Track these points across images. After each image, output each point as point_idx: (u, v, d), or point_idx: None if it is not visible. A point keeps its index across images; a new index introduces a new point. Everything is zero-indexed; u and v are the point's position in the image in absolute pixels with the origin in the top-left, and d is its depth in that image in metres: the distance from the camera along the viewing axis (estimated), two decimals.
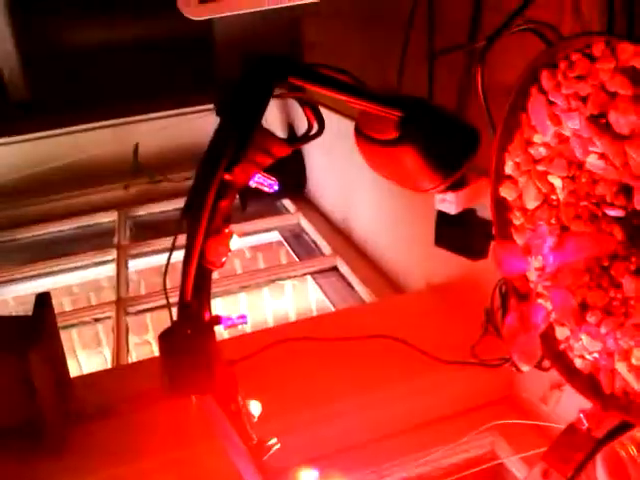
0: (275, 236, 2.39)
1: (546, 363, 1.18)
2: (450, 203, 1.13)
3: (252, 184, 0.67)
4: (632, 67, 0.53)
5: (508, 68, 0.92)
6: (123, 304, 1.79)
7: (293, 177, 2.30)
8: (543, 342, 0.67)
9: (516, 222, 0.70)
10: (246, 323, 0.66)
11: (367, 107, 0.71)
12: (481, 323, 1.32)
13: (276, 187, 0.69)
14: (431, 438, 1.16)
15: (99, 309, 1.85)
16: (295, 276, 1.93)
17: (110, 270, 2.07)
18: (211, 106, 2.55)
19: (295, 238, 2.29)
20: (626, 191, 0.57)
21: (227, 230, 0.65)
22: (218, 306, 2.58)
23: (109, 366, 1.76)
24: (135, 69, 2.65)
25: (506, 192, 0.70)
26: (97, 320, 1.81)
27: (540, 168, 0.65)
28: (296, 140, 0.72)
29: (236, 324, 0.66)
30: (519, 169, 0.68)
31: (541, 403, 1.18)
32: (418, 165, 0.74)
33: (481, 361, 1.22)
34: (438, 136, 0.76)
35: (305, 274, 1.94)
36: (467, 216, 1.16)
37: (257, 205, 2.32)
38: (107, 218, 2.39)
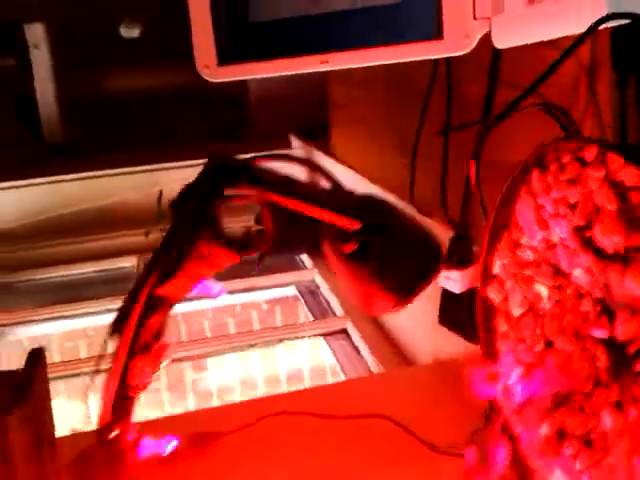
0: (292, 290, 2.36)
1: None
2: (455, 282, 1.07)
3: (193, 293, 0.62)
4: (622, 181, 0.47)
5: (519, 146, 0.87)
6: None
7: (312, 232, 2.26)
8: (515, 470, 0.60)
9: (501, 329, 0.64)
10: (164, 452, 0.61)
11: (322, 216, 0.66)
12: (484, 410, 1.24)
13: (223, 294, 0.64)
14: None
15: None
16: (305, 336, 1.88)
17: None
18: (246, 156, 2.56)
19: (311, 294, 2.25)
20: (609, 314, 0.51)
21: (157, 347, 0.60)
22: (232, 361, 2.54)
23: None
24: (167, 117, 2.70)
25: (493, 293, 0.64)
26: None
27: (527, 272, 0.60)
28: (245, 248, 0.67)
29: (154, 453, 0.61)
30: (506, 271, 0.62)
31: None
32: (370, 284, 0.69)
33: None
34: (394, 256, 0.71)
35: (317, 335, 1.89)
36: (470, 296, 1.10)
37: (273, 259, 2.28)
38: (127, 263, 2.40)
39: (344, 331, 1.87)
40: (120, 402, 0.58)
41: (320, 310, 2.10)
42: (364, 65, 0.94)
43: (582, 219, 0.49)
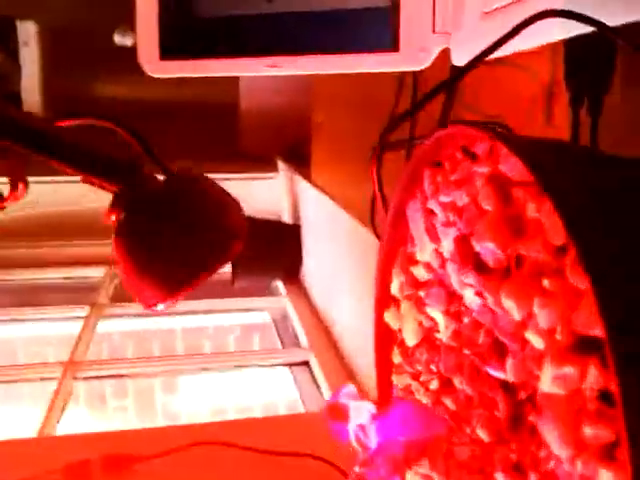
0: (266, 317, 2.27)
1: None
2: None
3: None
4: (504, 174, 0.38)
5: None
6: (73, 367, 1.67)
7: (288, 259, 2.18)
8: None
9: (395, 360, 0.55)
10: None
11: (81, 175, 0.54)
12: None
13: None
14: None
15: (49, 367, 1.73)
16: (264, 365, 1.78)
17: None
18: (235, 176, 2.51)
19: (283, 322, 2.16)
20: (501, 348, 0.42)
21: None
22: (184, 383, 2.42)
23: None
24: (153, 129, 2.65)
25: (390, 318, 0.55)
26: (43, 379, 1.69)
27: (421, 294, 0.50)
28: None
29: None
30: (402, 292, 0.53)
31: None
32: (136, 267, 0.53)
33: None
34: (168, 232, 0.53)
35: (276, 365, 1.79)
36: None
37: (247, 281, 2.20)
38: (95, 273, 2.31)
39: (306, 363, 1.76)
40: None
41: (290, 339, 2.01)
42: (315, 72, 0.87)
43: (467, 226, 0.40)
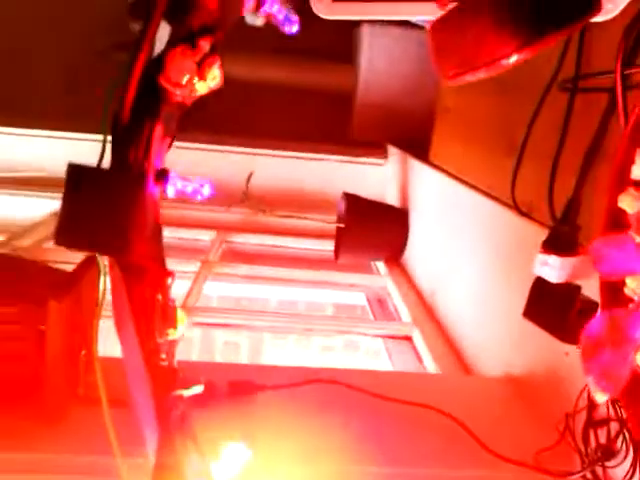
0: (360, 298, 2.29)
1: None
2: (552, 268, 0.97)
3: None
4: None
5: None
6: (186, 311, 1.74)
7: (393, 240, 2.20)
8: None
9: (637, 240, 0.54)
10: (202, 196, 0.54)
11: None
12: (557, 428, 1.12)
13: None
14: None
15: None
16: (366, 334, 1.80)
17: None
18: (337, 157, 2.56)
19: (379, 302, 2.17)
20: None
21: (208, 55, 0.50)
22: (290, 342, 2.50)
23: None
24: (275, 107, 2.74)
25: (626, 202, 0.54)
26: None
27: None
28: None
29: (188, 192, 0.54)
30: None
31: None
32: (490, 20, 0.49)
33: (545, 469, 1.01)
34: None
35: (377, 336, 1.80)
36: (569, 291, 1.00)
37: (350, 258, 2.23)
38: (205, 236, 2.41)
39: (408, 339, 1.77)
40: (147, 97, 0.48)
41: (387, 318, 2.02)
42: None
43: None
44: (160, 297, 0.55)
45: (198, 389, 0.56)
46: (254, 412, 1.12)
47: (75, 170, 0.52)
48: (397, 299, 1.99)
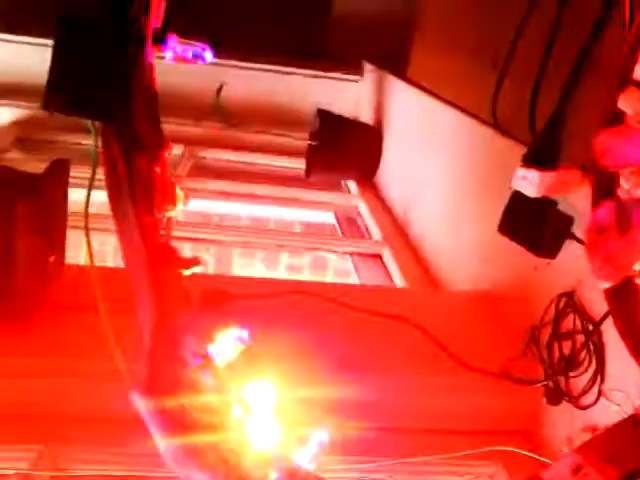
0: (330, 217, 2.27)
1: (586, 400, 1.02)
2: (530, 183, 0.97)
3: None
4: None
5: None
6: None
7: (366, 159, 2.17)
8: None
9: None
10: (204, 61, 0.51)
11: None
12: (523, 340, 1.15)
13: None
14: (423, 446, 0.99)
15: None
16: (335, 252, 1.80)
17: None
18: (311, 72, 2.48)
19: (349, 222, 2.16)
20: None
21: None
22: (258, 263, 2.50)
23: None
24: (249, 18, 2.62)
25: (626, 103, 0.52)
26: None
27: None
28: None
29: (188, 57, 0.51)
30: None
31: (565, 445, 1.00)
32: None
33: (510, 377, 1.04)
34: None
35: (346, 253, 1.80)
36: (546, 206, 1.00)
37: (321, 177, 2.20)
38: (174, 150, 2.33)
39: (378, 257, 1.78)
40: None
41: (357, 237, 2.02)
42: None
43: None
44: (159, 170, 0.51)
45: (198, 269, 0.54)
46: (227, 321, 1.11)
47: (67, 23, 0.46)
48: (368, 218, 1.99)
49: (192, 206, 2.23)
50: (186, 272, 0.52)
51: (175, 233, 1.73)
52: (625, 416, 0.60)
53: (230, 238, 1.75)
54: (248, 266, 2.66)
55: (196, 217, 2.24)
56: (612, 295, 0.50)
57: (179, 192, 0.53)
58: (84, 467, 0.91)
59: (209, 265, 2.66)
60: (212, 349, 0.46)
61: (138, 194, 0.50)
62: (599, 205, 0.49)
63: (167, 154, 0.52)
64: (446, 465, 0.94)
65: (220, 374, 0.44)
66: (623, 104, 0.51)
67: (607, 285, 0.49)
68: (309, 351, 0.97)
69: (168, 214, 0.52)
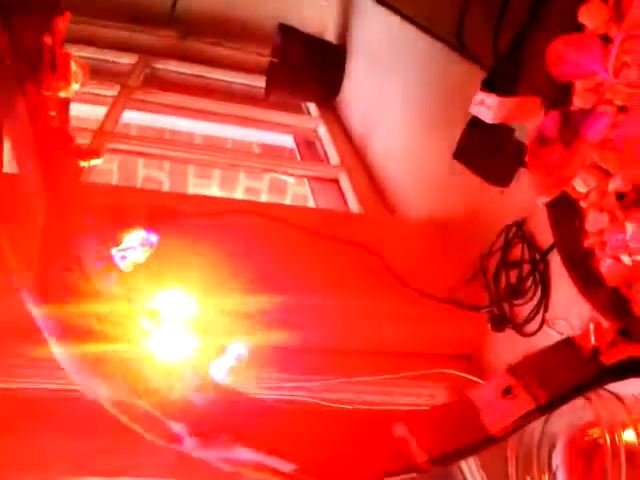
0: (288, 140, 2.22)
1: (529, 328, 1.04)
2: (488, 109, 0.94)
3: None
4: None
5: None
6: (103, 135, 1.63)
7: (328, 79, 2.10)
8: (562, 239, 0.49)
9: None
10: None
11: None
12: (473, 269, 1.16)
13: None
14: (368, 366, 1.00)
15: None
16: (292, 174, 1.76)
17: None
18: None
19: (307, 145, 2.11)
20: None
21: None
22: (214, 184, 2.46)
23: None
24: None
25: (586, 16, 0.49)
26: None
27: None
28: None
29: None
30: None
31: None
32: None
33: (457, 303, 1.06)
34: None
35: (303, 176, 1.77)
36: (502, 133, 0.98)
37: (281, 96, 2.13)
38: (126, 59, 2.21)
39: (335, 181, 1.75)
40: None
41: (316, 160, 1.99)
42: None
43: None
44: (49, 41, 0.44)
45: (97, 161, 0.49)
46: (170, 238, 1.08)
47: None
48: (327, 142, 1.95)
49: (143, 120, 2.14)
50: (84, 163, 0.47)
51: (125, 147, 1.66)
52: None
53: (185, 155, 1.69)
54: (204, 187, 2.61)
55: (147, 132, 2.16)
56: (556, 217, 0.49)
57: (76, 68, 0.46)
58: None
59: (163, 185, 2.60)
60: (116, 252, 0.43)
61: (22, 67, 0.44)
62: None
63: (62, 23, 0.45)
64: (389, 385, 0.96)
65: (125, 280, 0.41)
66: (583, 17, 0.49)
67: (545, 200, 0.48)
68: (250, 268, 0.95)
69: (62, 94, 0.46)
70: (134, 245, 0.42)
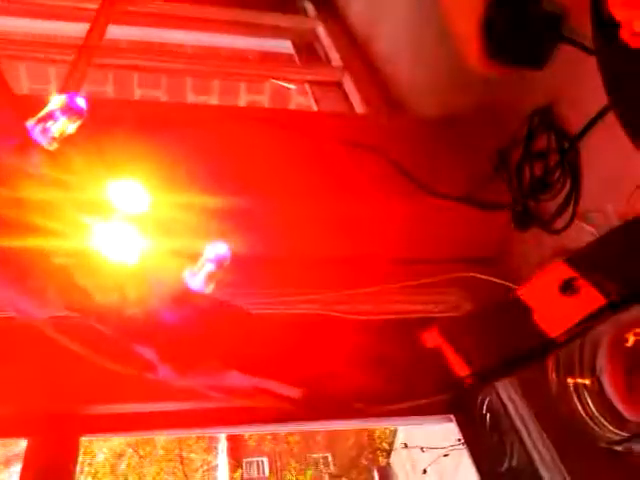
0: (286, 46, 2.07)
1: (558, 224, 0.96)
2: None
3: None
4: None
5: None
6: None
7: None
8: None
9: None
10: None
11: None
12: (492, 164, 1.07)
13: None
14: (386, 274, 0.93)
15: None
16: (292, 80, 1.64)
17: None
18: None
19: (308, 51, 1.97)
20: None
21: None
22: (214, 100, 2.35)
23: None
24: None
25: None
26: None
27: None
28: None
29: None
30: None
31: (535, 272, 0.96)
32: None
33: (476, 202, 0.98)
34: None
35: (305, 81, 1.65)
36: (528, 6, 0.85)
37: None
38: None
39: (338, 84, 1.63)
40: None
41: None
42: None
43: None
44: None
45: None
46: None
47: None
48: (327, 44, 1.81)
49: (129, 35, 2.01)
50: None
51: (118, 61, 1.55)
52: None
53: (180, 66, 1.57)
54: (204, 102, 2.49)
55: (137, 46, 2.02)
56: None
57: None
58: None
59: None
60: (32, 124, 0.35)
61: None
62: None
63: None
64: (410, 294, 0.90)
65: (52, 159, 0.33)
66: None
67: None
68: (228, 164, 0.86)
69: None
70: (54, 112, 0.34)
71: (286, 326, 0.33)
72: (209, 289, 0.31)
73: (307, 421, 0.82)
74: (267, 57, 2.24)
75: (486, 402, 0.87)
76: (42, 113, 0.33)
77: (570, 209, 0.89)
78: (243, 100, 2.55)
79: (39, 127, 0.33)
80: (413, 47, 1.44)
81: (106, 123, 0.64)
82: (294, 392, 0.28)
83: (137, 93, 2.49)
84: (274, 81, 1.66)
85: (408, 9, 1.46)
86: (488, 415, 0.88)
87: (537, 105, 0.97)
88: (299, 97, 2.42)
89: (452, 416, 0.89)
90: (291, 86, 1.78)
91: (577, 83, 0.88)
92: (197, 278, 0.31)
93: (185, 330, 0.29)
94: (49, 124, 0.33)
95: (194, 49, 2.21)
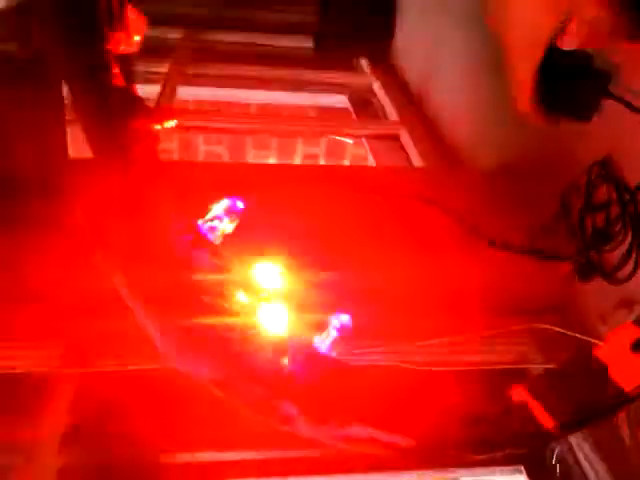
0: (342, 101, 2.16)
1: (620, 274, 0.97)
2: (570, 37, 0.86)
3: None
4: None
5: None
6: None
7: (378, 28, 2.01)
8: None
9: None
10: None
11: None
12: (552, 216, 1.09)
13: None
14: (452, 326, 0.96)
15: None
16: (350, 135, 1.71)
17: None
18: None
19: (364, 105, 2.05)
20: None
21: None
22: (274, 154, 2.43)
23: None
24: None
25: None
26: None
27: None
28: None
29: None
30: None
31: (598, 322, 0.96)
32: None
33: (538, 253, 1.00)
34: None
35: (361, 135, 1.72)
36: (579, 62, 0.89)
37: (332, 51, 2.06)
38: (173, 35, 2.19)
39: (396, 138, 1.69)
40: None
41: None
42: None
43: None
44: None
45: (172, 123, 0.47)
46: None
47: None
48: (383, 98, 1.88)
49: (197, 95, 2.13)
50: (158, 127, 0.45)
51: (182, 122, 1.65)
52: None
53: (241, 126, 1.67)
54: (263, 158, 2.59)
55: (203, 107, 2.15)
56: None
57: (134, 17, 0.42)
58: None
59: (224, 159, 2.60)
60: (202, 224, 0.40)
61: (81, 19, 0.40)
62: None
63: None
64: (476, 344, 0.92)
65: (218, 252, 0.39)
66: None
67: None
68: (323, 235, 0.92)
69: (122, 48, 0.42)
70: (220, 215, 0.39)
71: (387, 379, 0.37)
72: (335, 353, 0.35)
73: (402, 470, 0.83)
74: (325, 112, 2.33)
75: (556, 452, 0.87)
76: (210, 215, 0.39)
77: (632, 259, 0.90)
78: (300, 153, 2.64)
79: (207, 226, 0.39)
80: (470, 99, 1.49)
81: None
82: (406, 441, 0.31)
83: (202, 149, 2.62)
84: (332, 136, 1.73)
85: (464, 63, 1.51)
86: (558, 466, 0.88)
87: (596, 157, 0.99)
88: (355, 149, 2.49)
89: (522, 467, 0.89)
90: (349, 140, 1.85)
91: (634, 135, 0.91)
92: (324, 344, 0.36)
93: (318, 388, 0.34)
94: (215, 223, 0.39)
95: (257, 107, 2.33)
